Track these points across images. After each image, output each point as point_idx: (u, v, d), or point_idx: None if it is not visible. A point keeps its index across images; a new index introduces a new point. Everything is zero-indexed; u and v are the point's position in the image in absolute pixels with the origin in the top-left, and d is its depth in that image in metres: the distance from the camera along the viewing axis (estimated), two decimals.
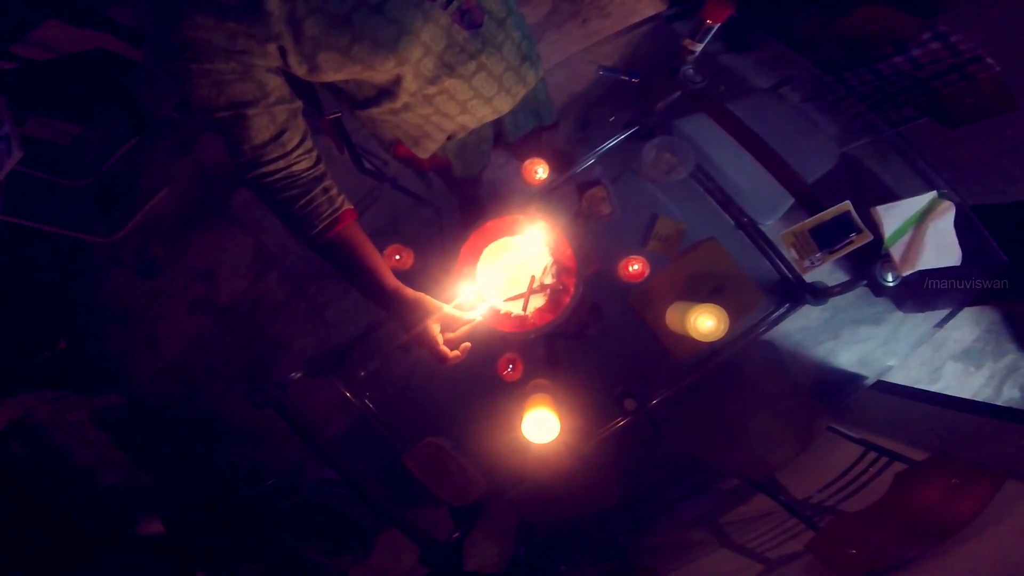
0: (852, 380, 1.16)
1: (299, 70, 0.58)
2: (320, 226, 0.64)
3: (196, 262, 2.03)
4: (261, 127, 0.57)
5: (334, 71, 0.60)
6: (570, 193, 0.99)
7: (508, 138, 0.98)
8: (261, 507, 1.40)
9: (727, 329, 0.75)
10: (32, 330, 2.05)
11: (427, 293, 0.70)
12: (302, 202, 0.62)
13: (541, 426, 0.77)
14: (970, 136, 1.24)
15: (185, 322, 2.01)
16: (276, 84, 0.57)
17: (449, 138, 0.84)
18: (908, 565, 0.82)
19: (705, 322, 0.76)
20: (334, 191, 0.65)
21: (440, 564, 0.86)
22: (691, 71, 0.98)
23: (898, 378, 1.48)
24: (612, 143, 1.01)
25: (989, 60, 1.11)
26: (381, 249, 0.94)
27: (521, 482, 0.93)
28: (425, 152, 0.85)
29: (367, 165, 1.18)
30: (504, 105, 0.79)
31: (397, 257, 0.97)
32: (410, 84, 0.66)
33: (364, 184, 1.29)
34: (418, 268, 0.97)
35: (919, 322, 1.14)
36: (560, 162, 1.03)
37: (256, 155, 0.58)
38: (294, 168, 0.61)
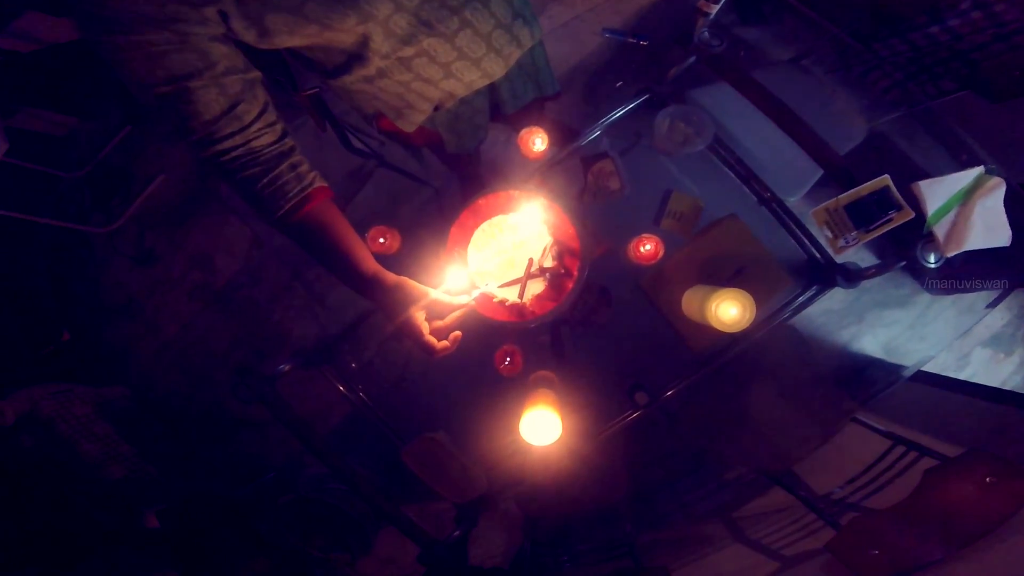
0: (881, 368, 1.09)
1: (247, 36, 0.51)
2: (287, 206, 0.58)
3: (194, 250, 2.01)
4: (210, 101, 0.50)
5: (287, 34, 0.52)
6: (575, 168, 0.91)
7: (505, 109, 0.90)
8: (260, 503, 1.39)
9: (753, 317, 0.68)
10: (36, 323, 2.05)
11: (415, 279, 0.64)
12: (265, 180, 0.56)
13: (541, 427, 0.70)
14: (1016, 110, 1.14)
15: (186, 311, 1.99)
16: (223, 53, 0.50)
17: (436, 108, 0.76)
18: (935, 568, 0.76)
19: (728, 310, 0.68)
20: (303, 168, 0.59)
21: (440, 563, 0.82)
22: (707, 34, 0.90)
23: (925, 365, 1.41)
24: (621, 112, 0.92)
25: None
26: (366, 231, 0.88)
27: (523, 481, 0.88)
28: (410, 125, 0.77)
29: (356, 143, 1.11)
30: (496, 69, 0.72)
31: (381, 240, 0.89)
32: (380, 45, 0.59)
33: (356, 164, 1.22)
34: (406, 252, 0.90)
35: (947, 305, 1.08)
36: (564, 135, 0.95)
37: (208, 132, 0.52)
38: (254, 144, 0.54)
